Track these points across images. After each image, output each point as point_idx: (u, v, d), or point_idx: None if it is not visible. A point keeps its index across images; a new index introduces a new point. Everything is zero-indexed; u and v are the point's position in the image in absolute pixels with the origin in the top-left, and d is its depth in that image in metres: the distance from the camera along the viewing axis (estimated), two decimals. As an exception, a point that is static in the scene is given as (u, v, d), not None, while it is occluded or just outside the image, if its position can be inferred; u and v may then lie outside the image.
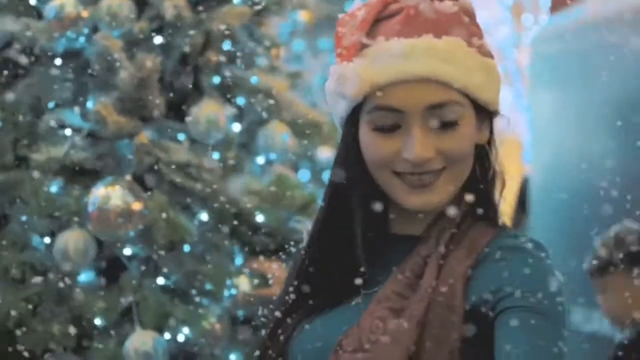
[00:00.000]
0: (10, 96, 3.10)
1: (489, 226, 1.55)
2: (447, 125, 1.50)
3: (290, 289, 1.61)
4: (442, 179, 1.51)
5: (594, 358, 3.53)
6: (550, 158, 4.69)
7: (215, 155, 3.11)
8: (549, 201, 4.52)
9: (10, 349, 2.92)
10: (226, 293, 2.99)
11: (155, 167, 3.01)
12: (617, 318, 3.32)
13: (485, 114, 1.56)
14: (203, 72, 3.14)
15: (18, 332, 2.93)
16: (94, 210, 2.88)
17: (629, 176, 3.92)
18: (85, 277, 3.01)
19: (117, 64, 2.98)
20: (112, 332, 2.96)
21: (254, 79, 3.21)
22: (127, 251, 2.98)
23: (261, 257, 3.08)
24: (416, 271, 1.50)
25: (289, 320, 1.59)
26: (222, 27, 3.11)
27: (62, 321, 2.95)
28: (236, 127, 3.20)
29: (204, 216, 3.04)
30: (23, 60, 3.12)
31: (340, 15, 1.58)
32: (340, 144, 1.60)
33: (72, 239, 2.94)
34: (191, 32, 3.08)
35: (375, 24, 1.53)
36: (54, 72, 3.10)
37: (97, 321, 2.96)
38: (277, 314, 1.61)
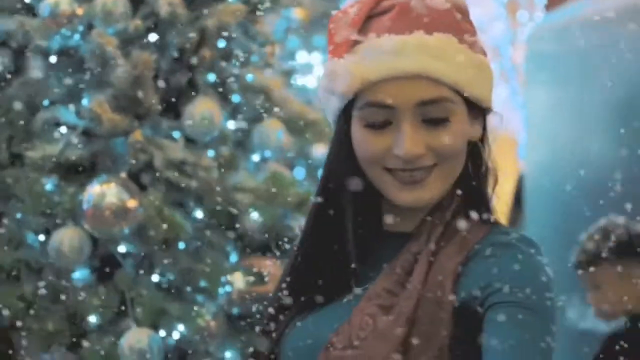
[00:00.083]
0: (4, 94, 3.10)
1: (481, 223, 1.55)
2: (438, 122, 1.50)
3: (283, 285, 1.62)
4: (433, 175, 1.52)
5: (588, 355, 3.53)
6: (545, 155, 4.69)
7: (210, 153, 3.11)
8: (544, 199, 4.52)
9: (4, 347, 2.91)
10: (221, 290, 2.99)
11: (151, 165, 3.01)
12: (604, 311, 3.33)
13: (478, 110, 1.57)
14: (198, 69, 3.14)
15: (12, 330, 2.93)
16: (88, 208, 2.88)
17: (624, 173, 3.92)
18: (80, 274, 3.01)
19: (112, 61, 2.98)
20: (108, 329, 2.96)
21: (249, 77, 3.21)
22: (122, 249, 2.98)
23: (255, 255, 3.08)
24: (406, 268, 1.50)
25: (281, 317, 1.59)
26: (217, 24, 3.11)
27: (57, 319, 2.95)
28: (231, 125, 3.20)
29: (199, 214, 3.04)
30: (18, 58, 3.12)
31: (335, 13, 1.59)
32: (332, 140, 1.61)
33: (67, 237, 2.94)
34: (186, 29, 3.07)
35: (367, 21, 1.53)
36: (49, 69, 3.10)
37: (92, 319, 2.95)
38: (271, 310, 1.61)
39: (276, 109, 3.23)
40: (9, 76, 3.13)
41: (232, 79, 3.18)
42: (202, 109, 3.06)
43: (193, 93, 3.12)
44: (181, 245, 3.00)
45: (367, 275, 1.54)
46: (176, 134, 3.10)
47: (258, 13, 3.23)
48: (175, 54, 3.11)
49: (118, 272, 3.00)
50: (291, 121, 3.26)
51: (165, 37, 3.10)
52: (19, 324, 2.93)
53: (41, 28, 3.06)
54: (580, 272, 3.38)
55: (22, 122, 3.09)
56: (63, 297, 2.96)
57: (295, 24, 3.62)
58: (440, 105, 1.50)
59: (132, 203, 2.89)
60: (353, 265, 1.55)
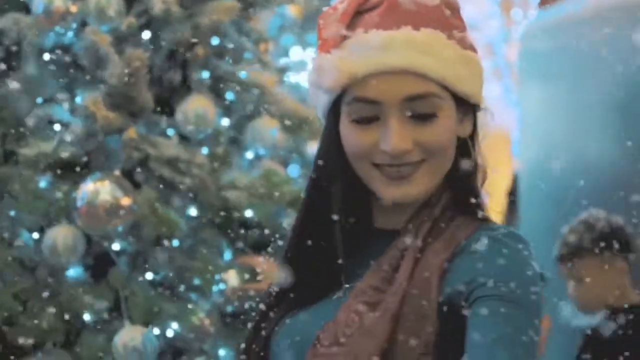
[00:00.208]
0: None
1: (470, 220, 1.55)
2: (425, 117, 1.50)
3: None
4: (420, 171, 1.52)
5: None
6: (538, 153, 4.70)
7: (204, 150, 3.11)
8: (537, 196, 4.52)
9: (-1, 344, 2.92)
10: (215, 288, 2.99)
11: (145, 162, 3.00)
12: (587, 304, 3.33)
13: (468, 107, 1.57)
14: (192, 67, 3.14)
15: (7, 328, 2.93)
16: (82, 206, 2.88)
17: (618, 171, 3.92)
18: (74, 272, 3.01)
19: (106, 59, 2.97)
20: (102, 327, 2.96)
21: (242, 74, 3.21)
22: (116, 246, 2.97)
23: (250, 252, 3.08)
24: (393, 265, 1.50)
25: (271, 314, 1.59)
26: (211, 21, 3.11)
27: (51, 317, 2.94)
28: (225, 122, 3.20)
29: (192, 211, 3.04)
30: (12, 55, 3.11)
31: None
32: (322, 136, 1.60)
33: (61, 235, 2.93)
34: (180, 27, 3.07)
35: (355, 17, 1.53)
36: (43, 67, 3.10)
37: (86, 317, 2.95)
38: (262, 307, 1.61)
39: (270, 107, 3.23)
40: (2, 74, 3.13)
41: (225, 77, 3.17)
42: (195, 107, 3.06)
43: (187, 90, 3.12)
44: (175, 243, 3.00)
45: (356, 272, 1.54)
46: (170, 132, 3.10)
47: (252, 10, 3.23)
48: (169, 52, 3.11)
49: (112, 270, 2.99)
50: (285, 118, 3.26)
51: (159, 35, 3.10)
52: (13, 321, 2.93)
53: (35, 25, 3.06)
54: (562, 265, 3.38)
55: (16, 120, 3.08)
56: (57, 294, 2.96)
57: (289, 21, 3.62)
58: (427, 101, 1.50)
59: (126, 201, 2.89)
60: (340, 261, 1.55)
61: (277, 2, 3.42)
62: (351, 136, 1.53)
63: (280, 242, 2.94)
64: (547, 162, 4.54)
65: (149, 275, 2.99)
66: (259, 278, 3.01)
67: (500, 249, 1.46)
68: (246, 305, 2.92)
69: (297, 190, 3.13)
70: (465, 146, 1.58)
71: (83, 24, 3.06)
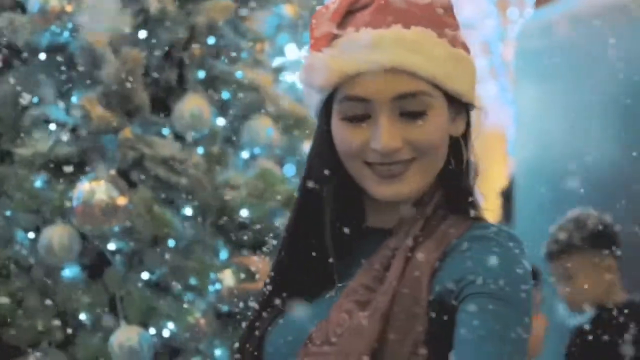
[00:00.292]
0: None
1: (463, 219, 1.55)
2: (415, 115, 1.50)
3: (268, 281, 1.62)
4: (411, 169, 1.52)
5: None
6: (534, 152, 4.70)
7: (200, 150, 3.11)
8: (533, 195, 4.53)
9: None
10: (211, 288, 2.99)
11: (140, 162, 3.00)
12: (576, 301, 3.33)
13: (460, 106, 1.57)
14: (188, 66, 3.14)
15: (2, 328, 2.93)
16: (78, 205, 2.88)
17: (614, 169, 3.93)
18: (69, 272, 3.01)
19: (102, 58, 2.97)
20: (97, 327, 2.96)
21: (238, 74, 3.21)
22: (112, 246, 2.97)
23: (245, 252, 3.08)
24: (385, 264, 1.50)
25: (265, 314, 1.59)
26: (207, 21, 3.11)
27: (46, 316, 2.94)
28: (220, 122, 3.20)
29: (188, 211, 3.04)
30: (7, 55, 3.11)
31: (322, 9, 1.59)
32: (314, 135, 1.61)
33: (56, 234, 2.93)
34: (176, 26, 3.07)
35: (347, 16, 1.54)
36: (38, 66, 3.09)
37: (82, 316, 2.95)
38: (256, 307, 1.61)
39: (266, 106, 3.23)
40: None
41: (221, 76, 3.17)
42: (191, 106, 3.06)
43: (183, 90, 3.12)
44: (171, 242, 3.00)
45: (349, 271, 1.54)
46: (166, 131, 3.10)
47: (248, 10, 3.23)
48: (165, 51, 3.10)
49: (108, 270, 2.99)
50: (281, 118, 3.26)
51: (155, 34, 3.09)
52: (8, 321, 2.92)
53: (30, 25, 3.05)
54: (551, 263, 3.38)
55: (11, 119, 3.08)
56: (53, 294, 2.96)
57: (285, 20, 3.62)
58: (417, 99, 1.50)
59: (121, 200, 2.89)
60: (331, 260, 1.55)
61: (273, 1, 3.42)
62: (342, 135, 1.53)
63: (275, 242, 2.94)
64: (543, 161, 4.54)
65: (145, 275, 2.99)
66: (257, 277, 3.01)
67: (491, 247, 1.46)
68: (241, 305, 2.92)
69: (293, 190, 3.13)
70: (459, 145, 1.58)
71: (78, 24, 3.05)
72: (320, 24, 1.55)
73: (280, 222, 3.05)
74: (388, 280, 1.48)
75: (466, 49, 1.57)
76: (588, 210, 3.40)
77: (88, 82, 3.02)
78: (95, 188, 2.88)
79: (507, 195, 5.40)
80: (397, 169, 1.51)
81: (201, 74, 3.15)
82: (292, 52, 3.60)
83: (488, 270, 1.43)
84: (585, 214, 3.38)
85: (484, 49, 7.78)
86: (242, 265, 3.03)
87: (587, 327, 3.28)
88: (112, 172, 2.95)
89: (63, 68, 3.07)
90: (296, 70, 3.60)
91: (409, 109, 1.50)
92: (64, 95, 3.08)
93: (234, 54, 3.22)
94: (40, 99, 3.10)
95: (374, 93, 1.49)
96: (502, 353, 1.38)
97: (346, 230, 1.56)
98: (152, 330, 2.95)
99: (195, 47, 3.12)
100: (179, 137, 3.10)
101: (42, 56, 3.09)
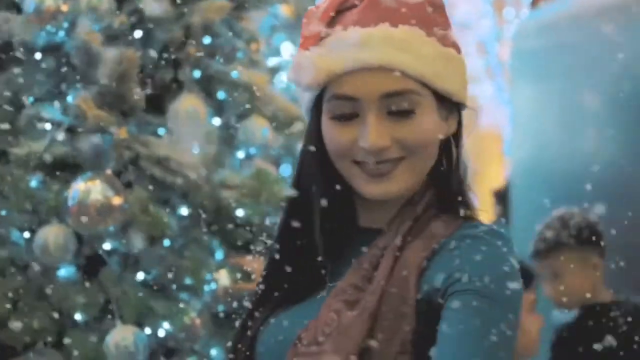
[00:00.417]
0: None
1: (453, 218, 1.55)
2: (404, 114, 1.50)
3: (260, 281, 1.62)
4: (400, 168, 1.52)
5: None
6: (530, 151, 4.71)
7: (195, 150, 3.10)
8: (529, 195, 4.53)
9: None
10: (206, 288, 2.99)
11: (136, 162, 3.00)
12: (564, 300, 3.33)
13: (452, 105, 1.57)
14: (183, 66, 3.14)
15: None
16: (73, 205, 2.88)
17: (610, 169, 3.93)
18: (65, 272, 3.00)
19: (97, 58, 2.97)
20: (92, 327, 2.95)
21: (234, 73, 3.21)
22: (107, 246, 2.97)
23: (241, 252, 3.08)
24: (374, 263, 1.51)
25: (257, 313, 1.59)
26: (202, 21, 3.10)
27: (42, 316, 2.94)
28: (216, 121, 3.19)
29: (184, 210, 3.04)
30: (2, 54, 3.11)
31: (317, 9, 1.59)
32: (305, 134, 1.61)
33: (52, 234, 2.93)
34: (171, 26, 3.07)
35: (337, 15, 1.54)
36: (34, 66, 3.09)
37: (77, 316, 2.95)
38: (249, 307, 1.62)
39: (262, 106, 3.23)
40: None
41: (217, 76, 3.17)
42: (187, 106, 3.06)
43: (178, 89, 3.12)
44: (166, 242, 3.00)
45: (340, 271, 1.54)
46: (161, 131, 3.09)
47: (243, 10, 3.23)
48: (160, 51, 3.10)
49: (103, 270, 2.99)
50: (277, 118, 3.26)
51: (151, 34, 3.09)
52: (3, 321, 2.92)
53: (26, 24, 3.05)
54: (539, 261, 3.39)
55: (6, 119, 3.08)
56: (48, 294, 2.95)
57: (281, 20, 3.62)
58: (405, 98, 1.50)
59: (117, 200, 2.88)
60: (320, 259, 1.55)
61: (269, 1, 3.42)
62: (331, 133, 1.53)
63: (269, 242, 2.94)
64: (539, 160, 4.55)
65: (140, 275, 2.99)
66: (252, 278, 3.01)
67: (478, 246, 1.46)
68: (236, 305, 2.92)
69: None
70: (449, 145, 1.58)
71: (74, 23, 3.05)
72: (310, 23, 1.55)
73: (276, 221, 3.05)
74: (376, 279, 1.48)
75: (457, 48, 1.57)
76: (573, 208, 3.41)
77: (83, 81, 3.02)
78: (90, 188, 2.87)
79: (503, 196, 5.41)
80: (386, 167, 1.51)
81: (197, 74, 3.15)
82: (288, 52, 3.60)
83: (474, 267, 1.43)
84: (569, 213, 3.39)
85: (480, 49, 7.79)
86: (238, 266, 3.03)
87: (572, 324, 3.29)
88: (108, 171, 2.94)
89: (59, 68, 3.06)
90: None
91: (397, 108, 1.50)
92: (60, 94, 3.07)
93: (229, 54, 3.21)
94: (35, 98, 3.10)
95: (361, 92, 1.49)
96: (482, 349, 1.38)
97: (336, 228, 1.56)
98: (147, 330, 2.94)
99: (191, 47, 3.12)
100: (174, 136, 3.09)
101: (38, 56, 3.09)
